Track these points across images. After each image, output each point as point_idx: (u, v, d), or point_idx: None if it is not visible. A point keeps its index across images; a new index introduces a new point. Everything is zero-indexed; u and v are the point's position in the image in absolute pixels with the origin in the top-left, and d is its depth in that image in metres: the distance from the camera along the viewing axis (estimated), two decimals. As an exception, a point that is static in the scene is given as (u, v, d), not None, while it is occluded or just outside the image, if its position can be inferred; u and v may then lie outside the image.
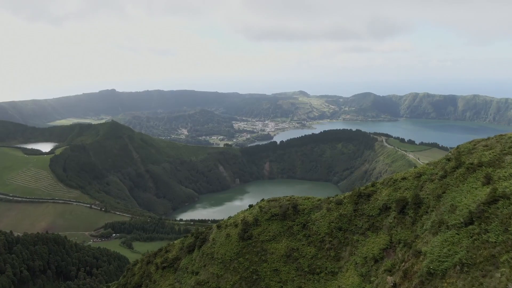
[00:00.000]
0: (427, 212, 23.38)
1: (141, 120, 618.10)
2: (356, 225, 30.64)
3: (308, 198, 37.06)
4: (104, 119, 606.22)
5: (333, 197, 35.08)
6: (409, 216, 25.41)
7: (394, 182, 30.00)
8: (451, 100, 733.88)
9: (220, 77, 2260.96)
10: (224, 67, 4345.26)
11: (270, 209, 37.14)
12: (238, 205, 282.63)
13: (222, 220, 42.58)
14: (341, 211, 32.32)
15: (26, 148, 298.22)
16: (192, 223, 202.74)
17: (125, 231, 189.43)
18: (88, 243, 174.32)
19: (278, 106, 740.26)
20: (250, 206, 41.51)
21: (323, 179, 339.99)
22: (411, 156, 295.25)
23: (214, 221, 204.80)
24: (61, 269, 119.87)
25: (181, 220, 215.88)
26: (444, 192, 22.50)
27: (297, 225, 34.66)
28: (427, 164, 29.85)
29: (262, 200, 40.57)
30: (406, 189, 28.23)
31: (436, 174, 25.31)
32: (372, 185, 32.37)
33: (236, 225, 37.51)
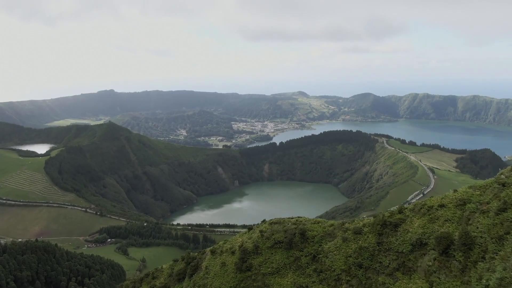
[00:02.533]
0: (483, 258, 17.30)
1: (139, 120, 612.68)
2: (381, 262, 24.28)
3: (318, 222, 30.92)
4: (103, 119, 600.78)
5: (349, 223, 29.03)
6: (457, 261, 19.04)
7: (428, 210, 23.32)
8: (451, 100, 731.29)
9: (219, 77, 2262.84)
10: (223, 68, 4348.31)
11: (273, 234, 30.93)
12: (237, 208, 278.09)
13: (217, 244, 37.00)
14: (360, 242, 25.98)
15: (21, 150, 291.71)
16: (189, 227, 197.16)
17: (120, 236, 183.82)
18: (83, 248, 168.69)
19: (277, 107, 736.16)
20: (249, 229, 35.63)
21: (323, 181, 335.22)
22: (412, 157, 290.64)
23: (212, 225, 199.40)
24: (50, 280, 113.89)
25: (178, 224, 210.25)
26: (508, 233, 16.68)
27: (305, 256, 28.22)
28: (471, 187, 22.93)
29: (263, 221, 34.54)
30: (446, 220, 21.86)
31: (488, 203, 19.53)
32: (400, 212, 25.52)
33: (233, 252, 31.59)
